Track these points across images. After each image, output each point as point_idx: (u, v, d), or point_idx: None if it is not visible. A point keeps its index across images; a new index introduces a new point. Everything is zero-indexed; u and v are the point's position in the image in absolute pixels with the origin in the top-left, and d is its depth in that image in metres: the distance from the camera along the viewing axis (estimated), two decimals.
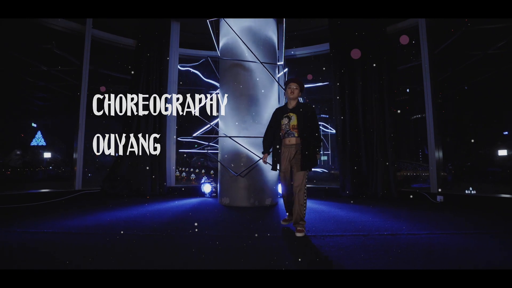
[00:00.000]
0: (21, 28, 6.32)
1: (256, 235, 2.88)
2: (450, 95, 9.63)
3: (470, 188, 4.87)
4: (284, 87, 3.26)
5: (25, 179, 11.67)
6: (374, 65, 5.84)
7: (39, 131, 16.11)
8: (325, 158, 12.40)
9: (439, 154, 5.37)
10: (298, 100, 3.20)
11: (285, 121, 3.07)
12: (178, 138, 6.71)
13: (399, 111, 7.25)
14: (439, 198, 4.83)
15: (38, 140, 16.53)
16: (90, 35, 5.99)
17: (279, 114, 3.18)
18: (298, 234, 2.84)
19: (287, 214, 3.32)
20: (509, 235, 2.91)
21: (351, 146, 5.92)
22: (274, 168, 3.20)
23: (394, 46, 6.22)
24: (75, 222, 3.48)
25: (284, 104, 3.27)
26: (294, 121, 3.03)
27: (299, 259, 2.20)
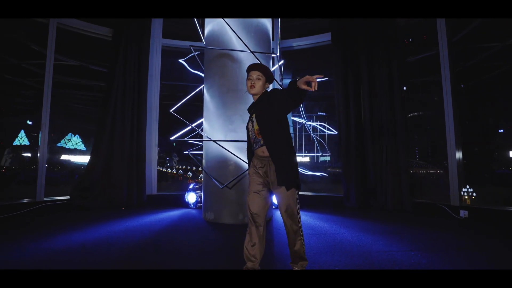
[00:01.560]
0: None
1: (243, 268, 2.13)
2: (464, 90, 8.90)
3: (467, 187, 4.35)
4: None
5: (5, 181, 10.97)
6: (382, 57, 5.09)
7: (22, 130, 15.27)
8: (327, 158, 11.63)
9: (459, 159, 4.63)
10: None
11: (249, 126, 2.15)
12: (173, 140, 5.93)
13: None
14: (463, 213, 4.07)
15: (21, 139, 15.62)
16: (55, 22, 5.19)
17: (249, 114, 2.23)
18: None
19: (249, 260, 2.04)
20: None
21: (356, 149, 5.18)
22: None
23: (405, 36, 5.47)
24: (14, 252, 2.71)
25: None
26: (255, 124, 2.07)
27: None
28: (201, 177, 5.46)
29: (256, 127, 2.06)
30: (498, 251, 2.81)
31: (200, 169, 6.60)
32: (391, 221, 4.13)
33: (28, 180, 10.91)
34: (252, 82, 2.09)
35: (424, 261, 2.48)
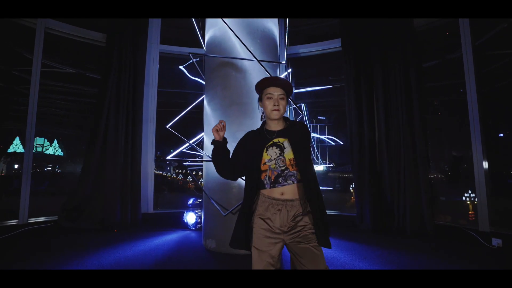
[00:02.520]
0: None
1: None
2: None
3: (469, 191, 4.06)
4: (257, 91, 1.70)
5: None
6: (399, 64, 4.68)
7: (17, 137, 14.81)
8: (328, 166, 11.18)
9: (488, 176, 4.19)
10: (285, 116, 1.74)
11: (271, 153, 1.55)
12: (168, 157, 5.51)
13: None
14: (495, 242, 3.62)
15: (16, 146, 15.11)
16: (43, 27, 4.78)
17: (254, 142, 1.63)
18: None
19: None
20: None
21: (370, 164, 4.75)
22: (238, 246, 1.60)
23: (422, 40, 5.07)
24: None
25: (261, 126, 1.72)
26: (289, 152, 1.55)
27: None
28: (201, 181, 4.96)
29: (290, 156, 1.54)
30: None
31: (200, 173, 6.11)
32: (410, 247, 3.71)
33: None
34: (275, 103, 1.58)
35: None
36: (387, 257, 3.38)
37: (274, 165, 1.53)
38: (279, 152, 1.54)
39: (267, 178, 1.54)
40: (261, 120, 1.75)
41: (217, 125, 1.62)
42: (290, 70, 4.93)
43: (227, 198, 3.62)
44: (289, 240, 1.50)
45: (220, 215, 3.60)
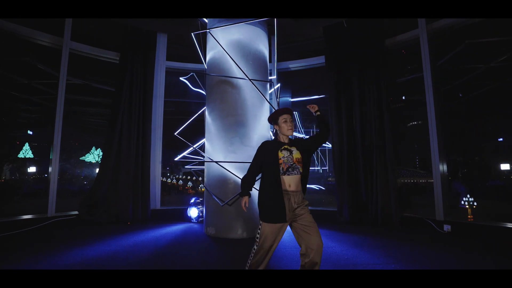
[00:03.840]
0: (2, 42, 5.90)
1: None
2: (453, 107, 9.34)
3: (468, 196, 4.65)
4: (274, 118, 2.49)
5: (10, 193, 11.20)
6: (372, 79, 5.46)
7: (27, 143, 15.61)
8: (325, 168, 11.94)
9: (443, 173, 4.95)
10: None
11: (285, 153, 2.35)
12: (178, 159, 6.27)
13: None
14: (446, 227, 4.39)
15: (26, 152, 15.96)
16: (68, 47, 5.57)
17: (270, 146, 2.41)
18: None
19: None
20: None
21: (349, 166, 5.51)
22: (273, 220, 2.23)
23: (393, 59, 5.87)
24: (28, 264, 3.01)
25: (274, 139, 2.54)
26: (297, 154, 2.35)
27: None
28: (202, 186, 5.73)
29: (297, 155, 2.33)
30: (461, 262, 3.11)
31: (200, 178, 6.92)
32: (378, 234, 4.44)
33: (31, 193, 11.18)
34: (289, 125, 2.40)
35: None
36: (356, 240, 4.13)
37: (286, 160, 2.31)
38: (289, 153, 2.34)
39: (281, 168, 2.30)
40: (273, 135, 2.62)
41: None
42: (279, 85, 5.72)
43: (224, 193, 4.38)
44: (290, 221, 2.27)
45: (219, 208, 4.36)
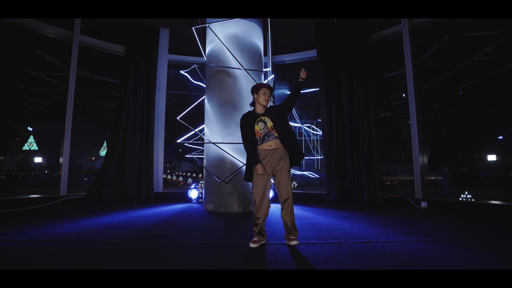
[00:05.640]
0: (12, 35, 6.32)
1: (231, 242, 2.89)
2: (444, 99, 9.76)
3: (466, 193, 4.91)
4: (257, 87, 2.92)
5: (15, 184, 11.64)
6: (359, 71, 5.89)
7: (32, 136, 16.09)
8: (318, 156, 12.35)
9: (423, 159, 5.41)
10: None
11: (260, 125, 2.82)
12: (179, 141, 6.71)
13: (390, 114, 7.25)
14: (423, 204, 4.86)
15: (31, 145, 16.45)
16: (78, 40, 6.01)
17: (248, 120, 2.88)
18: (293, 243, 2.80)
19: (257, 236, 2.85)
20: (479, 242, 2.93)
21: (337, 152, 5.94)
22: (249, 179, 2.90)
23: (379, 52, 6.28)
24: (55, 229, 3.46)
25: (250, 110, 3.00)
26: (270, 123, 2.81)
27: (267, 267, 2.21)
28: (202, 182, 6.27)
29: (270, 124, 2.81)
30: (433, 228, 3.55)
31: (200, 175, 7.50)
32: (362, 210, 4.90)
33: (37, 184, 11.66)
34: (265, 97, 2.88)
35: (374, 234, 3.24)
36: (340, 213, 4.58)
37: (262, 131, 2.82)
38: (264, 125, 2.83)
39: (259, 138, 2.83)
40: (251, 105, 3.03)
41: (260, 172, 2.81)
42: (273, 76, 6.14)
43: (222, 172, 4.83)
44: (274, 170, 2.83)
45: (217, 186, 4.81)
